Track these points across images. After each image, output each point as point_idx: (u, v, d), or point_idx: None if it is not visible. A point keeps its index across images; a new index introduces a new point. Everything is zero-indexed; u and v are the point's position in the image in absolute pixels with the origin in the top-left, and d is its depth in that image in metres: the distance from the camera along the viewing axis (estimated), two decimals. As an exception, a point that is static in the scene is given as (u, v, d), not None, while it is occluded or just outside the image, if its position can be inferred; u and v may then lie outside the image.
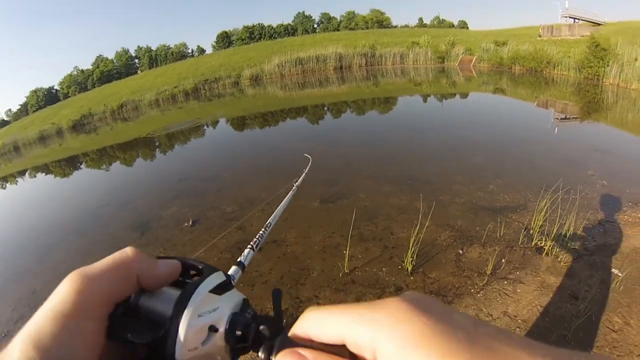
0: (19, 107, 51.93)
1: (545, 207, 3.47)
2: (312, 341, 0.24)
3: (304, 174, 1.37)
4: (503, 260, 3.15)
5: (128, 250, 0.27)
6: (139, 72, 51.73)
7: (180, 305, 0.26)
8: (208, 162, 7.91)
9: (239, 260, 0.47)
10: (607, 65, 13.04)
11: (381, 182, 5.26)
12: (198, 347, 0.26)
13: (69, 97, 44.15)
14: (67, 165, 12.14)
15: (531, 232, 3.50)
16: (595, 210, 3.89)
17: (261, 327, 0.28)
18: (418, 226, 3.21)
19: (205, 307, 0.27)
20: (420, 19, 59.41)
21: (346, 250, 3.30)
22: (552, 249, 3.22)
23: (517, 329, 2.37)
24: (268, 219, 0.68)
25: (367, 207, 4.44)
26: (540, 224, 3.44)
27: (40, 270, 4.28)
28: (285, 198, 0.82)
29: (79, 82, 49.97)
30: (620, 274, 2.82)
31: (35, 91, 50.17)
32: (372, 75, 22.52)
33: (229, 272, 0.37)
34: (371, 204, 4.56)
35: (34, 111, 42.38)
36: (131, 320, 0.26)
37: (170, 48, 57.35)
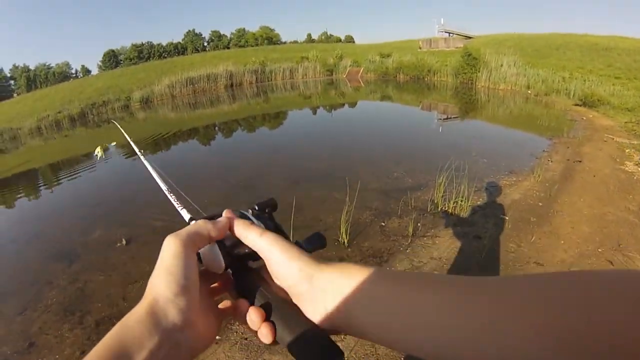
0: None
1: (443, 182, 4.33)
2: None
3: None
4: (419, 224, 3.83)
5: (200, 221, 0.41)
6: (14, 95, 43.82)
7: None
8: (119, 185, 7.20)
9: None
10: (479, 71, 16.39)
11: (295, 181, 5.69)
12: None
13: None
14: None
15: (436, 201, 4.31)
16: (482, 180, 4.99)
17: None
18: (345, 209, 3.69)
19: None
20: (309, 35, 63.62)
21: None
22: (454, 209, 4.05)
23: (444, 266, 2.99)
24: None
25: (290, 202, 4.77)
26: (441, 194, 4.28)
27: None
28: None
29: None
30: (506, 217, 3.75)
31: None
32: (262, 91, 23.20)
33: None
34: (293, 199, 4.91)
35: None
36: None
37: (52, 68, 50.69)
